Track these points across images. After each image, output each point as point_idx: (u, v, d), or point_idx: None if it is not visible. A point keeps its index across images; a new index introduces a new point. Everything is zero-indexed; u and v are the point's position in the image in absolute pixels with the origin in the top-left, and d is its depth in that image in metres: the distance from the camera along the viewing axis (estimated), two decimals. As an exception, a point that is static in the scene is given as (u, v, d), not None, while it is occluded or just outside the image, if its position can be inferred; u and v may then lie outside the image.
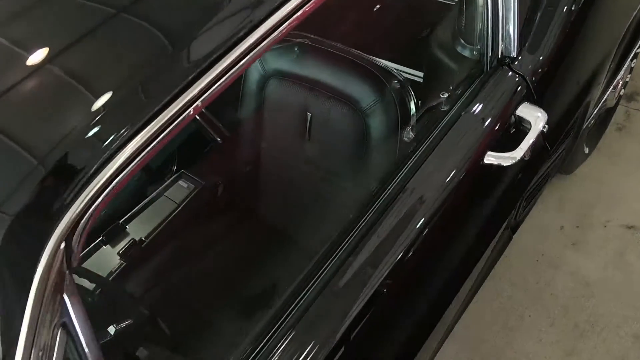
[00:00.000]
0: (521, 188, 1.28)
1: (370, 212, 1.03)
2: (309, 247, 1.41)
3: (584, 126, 1.54)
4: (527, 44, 1.20)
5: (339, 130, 1.35)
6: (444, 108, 1.17)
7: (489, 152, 1.11)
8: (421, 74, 1.44)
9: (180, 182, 1.70)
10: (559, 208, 1.89)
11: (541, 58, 1.21)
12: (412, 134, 1.24)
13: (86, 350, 0.65)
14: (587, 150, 1.85)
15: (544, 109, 1.16)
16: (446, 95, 1.20)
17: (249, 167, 1.61)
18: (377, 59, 1.36)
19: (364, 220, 1.02)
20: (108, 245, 1.53)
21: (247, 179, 1.62)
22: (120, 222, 1.56)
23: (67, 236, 0.63)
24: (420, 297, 1.16)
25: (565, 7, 1.25)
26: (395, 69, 1.35)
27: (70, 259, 0.63)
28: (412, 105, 1.27)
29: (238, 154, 1.64)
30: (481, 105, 1.15)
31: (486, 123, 1.14)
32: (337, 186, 1.39)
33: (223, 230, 1.57)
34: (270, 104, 1.50)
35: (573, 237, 1.84)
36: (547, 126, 1.14)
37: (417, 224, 1.03)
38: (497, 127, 1.14)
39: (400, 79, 1.32)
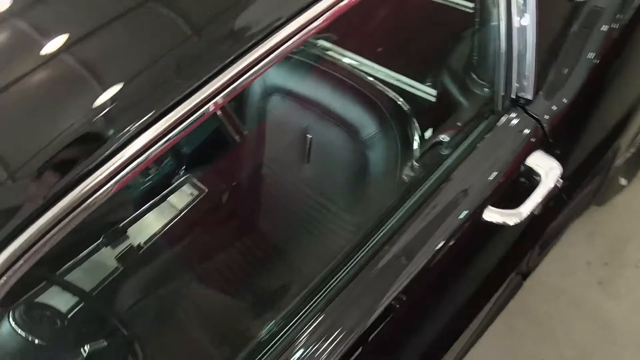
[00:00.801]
0: (531, 239, 1.15)
1: (359, 252, 0.95)
2: (297, 266, 1.36)
3: (616, 162, 1.36)
4: (545, 85, 1.05)
5: (338, 158, 1.26)
6: (445, 151, 1.05)
7: (490, 207, 0.98)
8: (434, 92, 1.31)
9: (184, 187, 1.66)
10: (587, 241, 1.72)
11: (563, 101, 1.06)
12: (411, 173, 1.13)
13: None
14: (623, 182, 1.66)
15: (560, 158, 1.02)
16: (449, 135, 1.08)
17: (249, 182, 1.55)
18: (384, 83, 1.25)
19: (355, 258, 0.94)
20: (108, 248, 1.52)
21: (246, 192, 1.56)
22: (121, 225, 1.54)
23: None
24: (424, 335, 1.07)
25: (593, 49, 1.08)
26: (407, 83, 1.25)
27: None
28: (415, 142, 1.15)
29: (240, 166, 1.58)
30: (487, 150, 1.02)
31: (491, 172, 1.01)
32: (333, 214, 1.31)
33: (223, 237, 1.54)
34: (271, 121, 1.42)
35: (600, 275, 1.67)
36: (561, 180, 1.00)
37: (403, 280, 0.94)
38: (503, 178, 1.01)
39: (406, 110, 1.20)
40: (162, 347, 1.28)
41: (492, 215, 0.97)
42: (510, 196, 1.02)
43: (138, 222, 1.55)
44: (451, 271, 1.05)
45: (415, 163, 1.15)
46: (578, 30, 1.10)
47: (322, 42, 1.47)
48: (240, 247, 1.50)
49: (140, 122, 0.64)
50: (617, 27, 1.12)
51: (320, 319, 0.88)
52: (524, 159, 1.02)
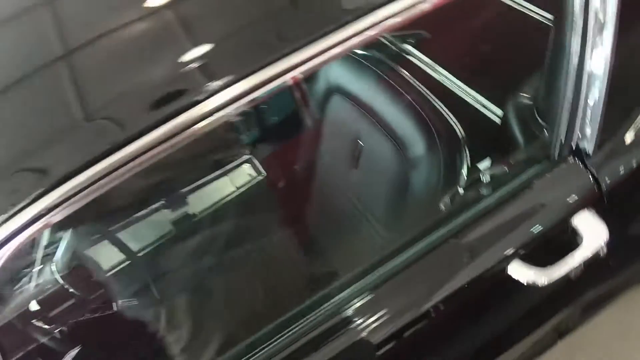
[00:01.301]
0: (567, 299, 1.05)
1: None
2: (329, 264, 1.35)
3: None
4: (613, 140, 0.93)
5: (382, 170, 1.22)
6: (488, 188, 0.98)
7: (517, 261, 0.90)
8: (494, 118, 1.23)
9: (244, 166, 1.70)
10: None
11: (631, 163, 0.93)
12: (450, 202, 1.06)
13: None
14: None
15: (614, 224, 0.91)
16: (497, 170, 1.00)
17: (304, 173, 1.55)
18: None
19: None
20: (168, 210, 1.60)
21: (299, 183, 1.56)
22: (183, 190, 1.61)
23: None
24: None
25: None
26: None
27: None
28: (463, 173, 1.09)
29: (297, 156, 1.58)
30: (533, 198, 0.94)
31: (531, 223, 0.92)
32: (367, 222, 1.28)
33: (272, 218, 1.56)
34: (330, 119, 1.41)
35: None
36: (606, 249, 0.90)
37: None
38: (542, 232, 0.92)
39: (460, 136, 1.13)
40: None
41: (517, 270, 0.89)
42: (545, 250, 0.93)
43: (196, 191, 1.62)
44: (473, 312, 0.99)
45: (459, 191, 1.08)
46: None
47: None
48: (286, 231, 1.51)
49: (224, 80, 0.67)
50: None
51: (368, 297, 0.87)
52: (571, 216, 0.92)
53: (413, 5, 0.73)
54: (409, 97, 1.17)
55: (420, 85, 1.24)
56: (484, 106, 1.26)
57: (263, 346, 0.85)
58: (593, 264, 0.94)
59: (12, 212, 0.64)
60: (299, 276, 1.41)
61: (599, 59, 0.86)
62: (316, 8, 0.76)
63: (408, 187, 1.15)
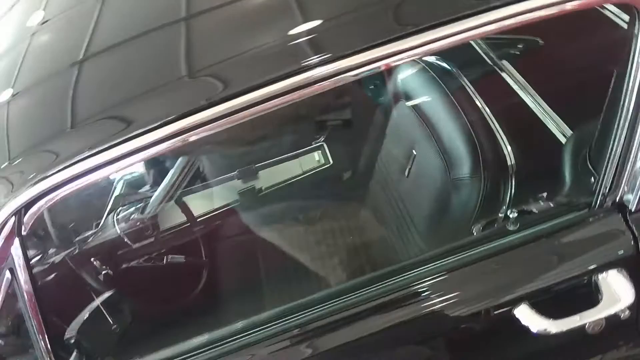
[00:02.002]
0: (585, 356, 0.98)
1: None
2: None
3: None
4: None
5: (428, 184, 1.21)
6: (513, 227, 0.93)
7: (526, 303, 0.87)
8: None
9: (316, 153, 1.76)
10: None
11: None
12: (480, 229, 1.04)
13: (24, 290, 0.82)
14: None
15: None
16: (536, 207, 0.95)
17: (364, 168, 1.57)
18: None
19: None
20: (240, 181, 1.71)
21: (359, 176, 1.58)
22: (255, 165, 1.71)
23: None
24: None
25: None
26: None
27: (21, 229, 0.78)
28: (503, 203, 1.05)
29: (360, 151, 1.60)
30: (564, 246, 0.89)
31: (557, 271, 0.88)
32: (407, 230, 1.27)
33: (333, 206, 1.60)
34: (392, 123, 1.41)
35: None
36: (628, 312, 0.83)
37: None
38: (564, 283, 0.87)
39: (509, 164, 1.09)
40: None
41: (522, 314, 0.86)
42: (565, 299, 0.88)
43: (267, 168, 1.71)
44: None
45: (495, 219, 1.05)
46: None
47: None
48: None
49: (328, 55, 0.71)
50: None
51: (443, 277, 0.87)
52: (599, 272, 0.86)
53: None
54: (466, 117, 1.15)
55: (484, 104, 1.20)
56: (549, 136, 1.19)
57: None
58: (618, 324, 0.87)
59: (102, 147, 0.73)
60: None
61: None
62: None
63: (446, 206, 1.14)
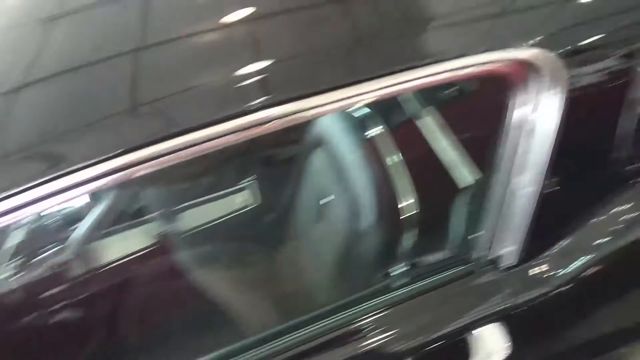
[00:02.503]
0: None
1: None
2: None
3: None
4: (535, 255, 0.87)
5: (337, 232, 1.21)
6: (404, 280, 0.94)
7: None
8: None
9: (241, 193, 1.74)
10: None
11: (554, 282, 0.86)
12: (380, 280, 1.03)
13: None
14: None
15: (523, 343, 0.85)
16: (418, 261, 0.97)
17: (284, 207, 1.56)
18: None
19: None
20: (160, 223, 1.66)
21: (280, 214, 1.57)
22: (174, 208, 1.68)
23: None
24: None
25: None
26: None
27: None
28: (402, 256, 1.06)
29: (282, 192, 1.59)
30: (444, 300, 0.90)
31: (430, 329, 0.88)
32: (318, 282, 1.27)
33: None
34: (310, 167, 1.41)
35: None
36: (503, 367, 0.84)
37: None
38: (434, 341, 0.87)
39: (413, 216, 1.10)
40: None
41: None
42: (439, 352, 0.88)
43: (190, 209, 1.68)
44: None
45: (397, 269, 1.05)
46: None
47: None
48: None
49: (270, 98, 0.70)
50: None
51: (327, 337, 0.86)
52: (476, 326, 0.87)
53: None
54: (376, 165, 1.15)
55: (398, 152, 1.21)
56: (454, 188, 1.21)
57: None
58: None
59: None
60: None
61: (527, 174, 0.81)
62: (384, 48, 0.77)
63: (348, 256, 1.14)
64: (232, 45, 0.79)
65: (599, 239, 0.88)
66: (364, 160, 1.20)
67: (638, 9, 0.79)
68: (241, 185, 1.72)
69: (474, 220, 0.92)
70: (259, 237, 1.58)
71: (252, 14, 0.80)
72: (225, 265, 1.57)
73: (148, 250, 1.56)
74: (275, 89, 0.72)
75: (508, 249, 0.89)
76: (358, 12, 0.80)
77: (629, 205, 0.91)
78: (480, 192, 0.92)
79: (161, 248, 1.58)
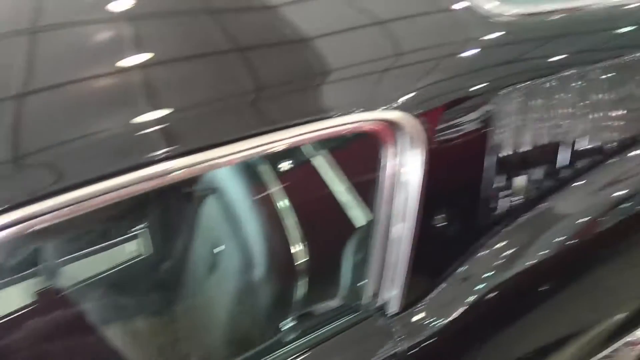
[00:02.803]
0: None
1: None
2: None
3: None
4: (417, 301, 0.92)
5: (229, 283, 1.18)
6: (294, 334, 0.94)
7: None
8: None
9: (133, 242, 1.66)
10: None
11: (435, 325, 0.91)
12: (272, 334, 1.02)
13: None
14: None
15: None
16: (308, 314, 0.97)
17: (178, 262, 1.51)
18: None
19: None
20: (44, 278, 1.53)
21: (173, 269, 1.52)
22: (58, 260, 1.56)
23: None
24: None
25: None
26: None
27: None
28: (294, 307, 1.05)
29: (175, 241, 1.54)
30: (331, 351, 0.90)
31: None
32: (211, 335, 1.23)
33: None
34: (205, 215, 1.38)
35: None
36: None
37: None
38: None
39: (305, 265, 1.11)
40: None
41: None
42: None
43: (75, 262, 1.57)
44: None
45: (288, 322, 1.05)
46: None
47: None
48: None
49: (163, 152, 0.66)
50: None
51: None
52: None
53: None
54: (268, 214, 1.15)
55: (291, 200, 1.22)
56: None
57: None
58: None
59: None
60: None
61: (402, 223, 0.86)
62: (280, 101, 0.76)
63: (241, 308, 1.12)
64: (131, 90, 0.75)
65: (473, 284, 0.94)
66: (255, 208, 1.20)
67: (486, 67, 0.88)
68: (131, 234, 1.64)
69: (362, 267, 0.95)
70: (151, 289, 1.51)
71: (150, 58, 0.78)
72: (114, 320, 1.47)
73: (31, 307, 1.44)
74: (180, 138, 0.69)
75: (393, 296, 0.92)
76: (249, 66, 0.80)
77: (498, 249, 0.99)
78: (365, 240, 0.95)
79: (45, 304, 1.46)
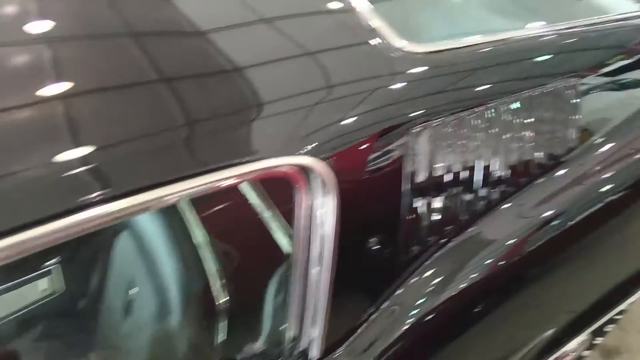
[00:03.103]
0: None
1: None
2: None
3: None
4: (337, 347, 0.86)
5: (144, 327, 1.08)
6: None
7: None
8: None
9: (44, 280, 1.52)
10: None
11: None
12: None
13: None
14: None
15: None
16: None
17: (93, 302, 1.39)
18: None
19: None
20: None
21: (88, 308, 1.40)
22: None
23: None
24: None
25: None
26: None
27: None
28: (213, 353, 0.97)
29: (90, 280, 1.42)
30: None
31: None
32: None
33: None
34: (117, 254, 1.27)
35: None
36: None
37: None
38: None
39: (225, 309, 1.03)
40: None
41: None
42: None
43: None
44: None
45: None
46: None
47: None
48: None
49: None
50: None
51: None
52: None
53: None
54: (183, 254, 1.07)
55: (210, 240, 1.13)
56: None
57: None
58: None
59: None
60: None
61: (319, 266, 0.80)
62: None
63: (158, 354, 1.02)
64: (50, 125, 0.67)
65: (399, 318, 0.90)
66: (172, 247, 1.11)
67: (396, 103, 0.84)
68: (43, 270, 1.51)
69: (282, 310, 0.88)
70: (64, 330, 1.38)
71: (69, 89, 0.70)
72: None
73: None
74: (113, 180, 0.63)
75: (314, 340, 0.86)
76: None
77: (427, 278, 0.95)
78: (285, 281, 0.89)
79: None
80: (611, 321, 1.36)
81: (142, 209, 0.63)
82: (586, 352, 1.41)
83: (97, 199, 0.60)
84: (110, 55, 0.77)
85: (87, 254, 1.41)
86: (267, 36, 0.84)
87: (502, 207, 1.02)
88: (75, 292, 1.40)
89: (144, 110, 0.70)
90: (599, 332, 1.40)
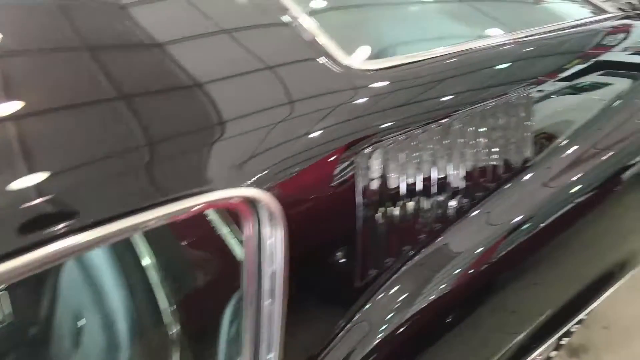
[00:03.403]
0: None
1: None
2: None
3: None
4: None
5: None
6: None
7: None
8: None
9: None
10: None
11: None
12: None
13: None
14: None
15: None
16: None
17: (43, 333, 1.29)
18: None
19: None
20: None
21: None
22: None
23: None
24: None
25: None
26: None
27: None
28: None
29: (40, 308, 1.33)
30: None
31: None
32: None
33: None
34: (65, 283, 1.19)
35: None
36: None
37: None
38: None
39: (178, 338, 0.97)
40: None
41: None
42: None
43: None
44: None
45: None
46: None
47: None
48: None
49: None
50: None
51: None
52: None
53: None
54: (131, 282, 1.00)
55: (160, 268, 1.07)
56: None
57: None
58: None
59: None
60: None
61: (272, 297, 0.77)
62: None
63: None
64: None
65: (362, 343, 0.88)
66: (122, 277, 1.04)
67: (342, 123, 0.81)
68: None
69: (237, 344, 0.84)
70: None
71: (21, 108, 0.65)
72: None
73: None
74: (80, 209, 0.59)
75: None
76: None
77: (394, 293, 0.92)
78: (238, 315, 0.85)
79: None
80: (578, 321, 1.37)
81: (82, 248, 0.58)
82: (553, 353, 1.42)
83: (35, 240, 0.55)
84: (49, 73, 0.71)
85: (34, 282, 1.31)
86: (205, 54, 0.80)
87: (469, 215, 1.00)
88: (22, 322, 1.31)
89: (85, 138, 0.65)
90: (566, 333, 1.41)
